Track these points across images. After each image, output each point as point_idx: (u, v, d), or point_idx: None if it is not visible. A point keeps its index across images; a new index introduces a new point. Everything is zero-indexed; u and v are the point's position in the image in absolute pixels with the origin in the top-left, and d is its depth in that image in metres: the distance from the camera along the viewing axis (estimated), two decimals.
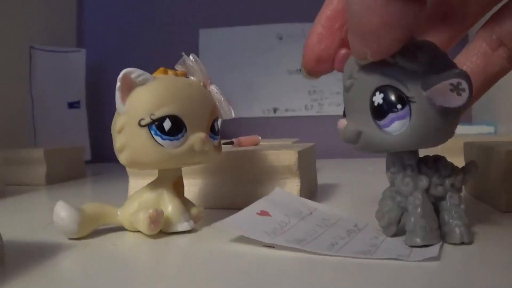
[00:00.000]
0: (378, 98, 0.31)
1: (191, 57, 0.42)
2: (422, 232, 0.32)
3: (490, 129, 1.06)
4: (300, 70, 0.37)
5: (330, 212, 0.43)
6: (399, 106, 0.30)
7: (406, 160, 0.34)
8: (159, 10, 1.33)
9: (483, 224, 0.39)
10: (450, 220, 0.33)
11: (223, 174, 0.52)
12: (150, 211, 0.37)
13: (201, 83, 0.41)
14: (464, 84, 0.28)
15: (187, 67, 0.42)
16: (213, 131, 0.41)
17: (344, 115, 0.34)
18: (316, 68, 0.35)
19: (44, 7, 1.24)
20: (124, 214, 0.41)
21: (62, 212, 0.38)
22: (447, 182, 0.34)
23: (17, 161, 0.82)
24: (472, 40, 0.36)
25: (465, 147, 0.55)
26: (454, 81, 0.28)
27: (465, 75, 0.28)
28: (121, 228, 0.42)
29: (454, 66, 0.32)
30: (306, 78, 0.37)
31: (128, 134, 0.38)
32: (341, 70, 0.35)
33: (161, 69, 0.41)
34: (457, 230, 0.33)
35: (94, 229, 0.40)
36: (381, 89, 0.31)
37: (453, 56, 0.35)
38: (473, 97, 0.30)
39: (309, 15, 0.39)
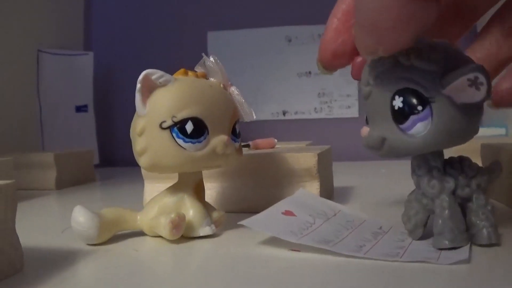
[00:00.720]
0: (397, 102, 0.31)
1: (211, 58, 0.41)
2: (450, 235, 0.32)
3: (502, 131, 1.06)
4: (316, 66, 0.37)
5: (354, 214, 0.42)
6: (419, 107, 0.30)
7: (432, 162, 0.33)
8: (167, 13, 1.32)
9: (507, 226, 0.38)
10: (478, 221, 0.33)
11: (242, 178, 0.51)
12: (172, 215, 0.36)
13: (221, 85, 0.41)
14: (482, 78, 0.28)
15: (207, 68, 0.41)
16: (234, 134, 0.40)
17: (367, 122, 0.34)
18: (332, 63, 0.36)
19: (52, 10, 1.24)
20: (144, 218, 0.40)
21: (81, 217, 0.38)
22: (473, 182, 0.33)
23: (27, 165, 0.81)
24: (484, 27, 0.36)
25: (482, 149, 0.54)
26: (471, 75, 0.28)
27: (481, 69, 0.28)
28: (140, 233, 0.41)
29: (469, 61, 0.31)
30: (322, 73, 0.37)
31: (149, 137, 0.37)
32: (358, 78, 0.35)
33: (182, 70, 0.40)
34: (484, 231, 0.32)
35: (113, 235, 0.40)
36: (400, 92, 0.31)
37: (464, 46, 0.35)
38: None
39: (318, 17, 0.39)
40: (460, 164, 0.34)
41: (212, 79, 0.41)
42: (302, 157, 0.48)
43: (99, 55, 1.27)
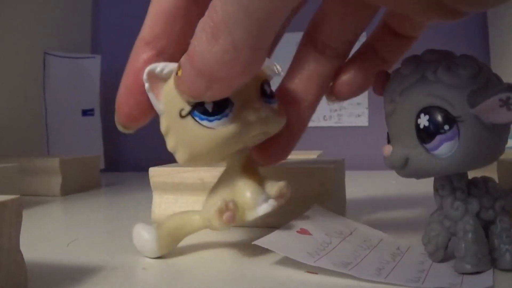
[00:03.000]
0: (423, 120, 0.30)
1: None
2: (473, 259, 0.30)
3: None
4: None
5: (370, 232, 0.40)
6: (446, 126, 0.29)
7: (456, 182, 0.32)
8: None
9: None
10: (501, 245, 0.31)
11: None
12: (218, 203, 0.34)
13: None
14: None
15: None
16: (265, 95, 0.35)
17: (388, 141, 0.33)
18: (131, 125, 0.36)
19: (59, 12, 1.23)
20: (203, 215, 0.37)
21: (142, 231, 0.37)
22: (497, 204, 0.32)
23: (32, 171, 0.80)
24: (296, 55, 0.39)
25: (499, 165, 0.53)
26: (503, 95, 0.27)
27: None
28: (177, 252, 0.39)
29: (498, 79, 0.30)
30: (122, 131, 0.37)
31: (175, 131, 0.34)
32: (381, 94, 0.34)
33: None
34: (508, 256, 0.30)
35: (179, 242, 0.38)
36: (426, 110, 0.30)
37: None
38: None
39: (301, 25, 0.38)
40: (485, 185, 0.32)
41: None
42: (318, 171, 0.46)
43: (106, 59, 1.26)
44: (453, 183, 0.32)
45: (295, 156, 0.65)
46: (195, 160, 0.35)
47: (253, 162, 0.38)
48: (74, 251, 0.40)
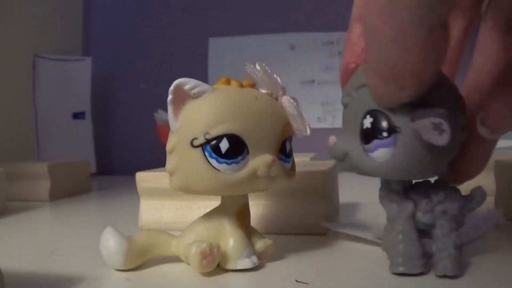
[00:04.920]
0: (367, 122, 0.30)
1: (257, 66, 0.36)
2: (402, 260, 0.31)
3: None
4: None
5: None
6: (384, 133, 0.30)
7: (392, 184, 0.33)
8: (168, 18, 1.30)
9: None
10: (437, 251, 0.32)
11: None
12: (203, 245, 0.32)
13: (273, 96, 0.36)
14: (445, 125, 0.27)
15: (251, 79, 0.36)
16: (283, 153, 0.35)
17: None
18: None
19: (50, 14, 1.22)
20: (180, 245, 0.35)
21: (110, 241, 0.34)
22: (437, 208, 0.32)
23: (19, 176, 0.78)
24: (480, 34, 0.34)
25: (497, 166, 0.52)
26: (435, 120, 0.27)
27: (446, 116, 0.27)
28: (160, 261, 0.37)
29: (452, 97, 0.31)
30: None
31: (180, 156, 0.33)
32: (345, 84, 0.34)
33: (224, 79, 0.35)
34: (442, 262, 0.31)
35: (145, 260, 0.36)
36: (372, 113, 0.30)
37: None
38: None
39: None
40: (427, 189, 0.33)
41: (262, 90, 0.36)
42: (309, 175, 0.45)
43: (97, 61, 1.25)
44: (389, 185, 0.33)
45: None
46: (188, 191, 0.34)
47: (247, 210, 0.37)
48: (57, 260, 0.39)
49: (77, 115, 1.18)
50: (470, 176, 0.33)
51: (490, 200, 0.51)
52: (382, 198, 0.34)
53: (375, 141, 0.30)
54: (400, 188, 0.33)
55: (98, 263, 0.35)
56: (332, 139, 0.32)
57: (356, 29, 0.33)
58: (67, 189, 0.83)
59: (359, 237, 0.41)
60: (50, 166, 0.79)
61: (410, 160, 0.30)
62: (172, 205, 0.49)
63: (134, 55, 1.31)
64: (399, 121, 0.29)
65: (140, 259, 0.35)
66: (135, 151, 1.24)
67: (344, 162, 0.32)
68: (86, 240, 0.47)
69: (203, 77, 1.23)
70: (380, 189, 0.34)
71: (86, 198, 0.83)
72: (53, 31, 1.23)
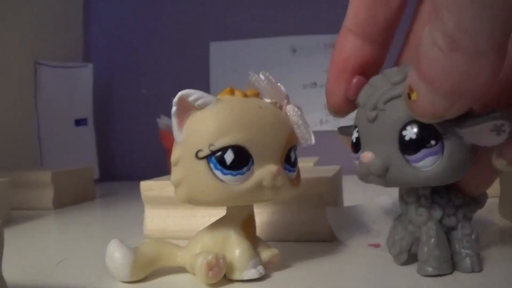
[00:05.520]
0: (410, 133, 0.30)
1: (261, 76, 0.36)
2: (435, 262, 0.32)
3: None
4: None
5: None
6: (432, 142, 0.30)
7: (421, 190, 0.34)
8: (169, 23, 1.29)
9: None
10: (462, 250, 0.33)
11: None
12: (209, 257, 0.32)
13: (277, 105, 0.36)
14: (507, 126, 0.28)
15: (255, 88, 0.36)
16: (288, 162, 0.35)
17: (356, 144, 0.34)
18: (340, 112, 0.36)
19: (50, 21, 1.21)
20: (186, 255, 0.35)
21: (116, 253, 0.34)
22: (460, 212, 0.34)
23: (23, 185, 0.78)
24: None
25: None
26: (498, 122, 0.28)
27: (508, 117, 0.28)
28: (167, 271, 0.37)
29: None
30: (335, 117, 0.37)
31: (185, 167, 0.33)
32: (353, 98, 0.34)
33: (228, 89, 0.35)
34: (468, 260, 0.33)
35: (152, 271, 0.36)
36: (414, 123, 0.30)
37: None
38: None
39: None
40: (447, 194, 0.34)
41: (266, 100, 0.36)
42: (314, 181, 0.45)
43: (99, 67, 1.25)
44: (418, 190, 0.34)
45: None
46: (194, 202, 0.34)
47: (253, 220, 0.37)
48: (63, 272, 0.39)
49: (80, 122, 1.18)
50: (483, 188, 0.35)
51: (494, 201, 0.51)
52: (407, 204, 0.34)
53: (423, 150, 0.30)
54: (428, 194, 0.33)
55: (105, 274, 0.36)
56: (368, 155, 0.32)
57: (349, 41, 0.33)
58: (71, 197, 0.83)
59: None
60: (53, 174, 0.79)
61: (458, 164, 0.30)
62: (177, 214, 0.49)
63: (135, 60, 1.31)
64: (444, 127, 0.29)
65: (146, 271, 0.35)
66: (137, 156, 1.24)
67: (385, 177, 0.31)
68: (92, 250, 0.47)
69: (204, 81, 1.23)
70: (405, 194, 0.34)
71: (90, 205, 0.83)
72: (54, 38, 1.23)
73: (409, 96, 0.28)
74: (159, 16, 1.31)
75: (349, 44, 0.33)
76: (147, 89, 1.25)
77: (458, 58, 0.25)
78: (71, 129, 1.17)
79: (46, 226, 0.65)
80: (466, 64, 0.25)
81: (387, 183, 0.32)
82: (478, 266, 0.33)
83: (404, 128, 0.30)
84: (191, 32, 1.28)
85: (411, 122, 0.30)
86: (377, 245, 0.40)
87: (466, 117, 0.29)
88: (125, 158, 1.28)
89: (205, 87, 0.34)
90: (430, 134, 0.30)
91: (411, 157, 0.30)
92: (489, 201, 0.35)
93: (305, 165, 0.67)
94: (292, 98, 0.36)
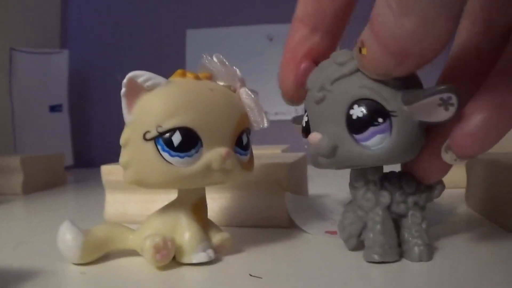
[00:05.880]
0: (357, 111, 0.30)
1: (214, 58, 0.35)
2: (380, 249, 0.32)
3: None
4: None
5: None
6: (380, 119, 0.30)
7: (370, 175, 0.33)
8: (145, 11, 1.29)
9: (485, 244, 0.37)
10: (410, 239, 0.33)
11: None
12: (157, 239, 0.32)
13: (231, 88, 0.36)
14: (454, 99, 0.28)
15: (209, 71, 0.35)
16: (240, 145, 0.35)
17: (307, 128, 0.34)
18: (293, 100, 0.36)
19: (27, 7, 1.21)
20: (137, 238, 0.35)
21: (66, 235, 0.34)
22: (410, 199, 0.33)
23: None
24: (459, 29, 0.34)
25: (468, 161, 0.52)
26: (445, 95, 0.28)
27: (455, 90, 0.28)
28: (118, 254, 0.37)
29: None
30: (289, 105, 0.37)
31: (133, 149, 0.32)
32: (302, 83, 0.34)
33: (179, 71, 0.34)
34: (416, 249, 0.32)
35: (104, 254, 0.36)
36: (360, 102, 0.30)
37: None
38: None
39: None
40: (399, 180, 0.34)
41: (219, 83, 0.36)
42: (273, 167, 0.45)
43: (74, 53, 1.24)
44: (367, 175, 0.33)
45: (259, 151, 0.63)
46: (141, 184, 0.33)
47: (204, 203, 0.37)
48: (19, 255, 0.39)
49: (54, 108, 1.18)
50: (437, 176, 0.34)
51: (461, 192, 0.51)
52: (355, 188, 0.34)
53: (371, 128, 0.30)
54: (376, 179, 0.33)
55: (57, 257, 0.35)
56: (316, 136, 0.32)
57: (298, 30, 0.34)
58: (41, 182, 0.83)
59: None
60: (23, 159, 0.78)
61: (406, 142, 0.30)
62: (137, 199, 0.49)
63: (111, 47, 1.30)
64: (392, 105, 0.29)
65: (97, 253, 0.35)
66: (112, 143, 1.22)
67: (334, 157, 0.31)
68: (52, 234, 0.47)
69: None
70: (354, 179, 0.34)
71: (60, 191, 0.83)
72: (30, 24, 1.22)
73: (360, 50, 0.29)
74: (136, 4, 1.30)
75: (298, 33, 0.34)
76: (121, 76, 1.23)
77: (407, 22, 0.25)
78: (45, 115, 1.16)
79: (13, 210, 0.65)
80: (414, 29, 0.25)
81: (337, 165, 0.32)
82: (426, 255, 0.32)
83: (351, 107, 0.30)
84: (168, 20, 1.28)
85: (358, 100, 0.30)
86: (333, 233, 0.39)
87: (413, 93, 0.29)
88: (99, 145, 1.27)
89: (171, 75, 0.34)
90: (377, 112, 0.29)
91: (359, 136, 0.30)
92: (456, 191, 0.35)
93: (273, 151, 0.67)
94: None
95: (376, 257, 0.32)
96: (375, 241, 0.32)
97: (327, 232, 0.41)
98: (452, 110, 0.28)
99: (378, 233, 0.32)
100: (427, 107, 0.29)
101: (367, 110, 0.30)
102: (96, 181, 0.90)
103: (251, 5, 1.25)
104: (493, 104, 0.29)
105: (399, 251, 0.33)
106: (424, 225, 0.33)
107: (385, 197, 0.33)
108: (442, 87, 0.28)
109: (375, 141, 0.30)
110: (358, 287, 0.29)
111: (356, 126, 0.30)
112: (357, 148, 0.30)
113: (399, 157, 0.31)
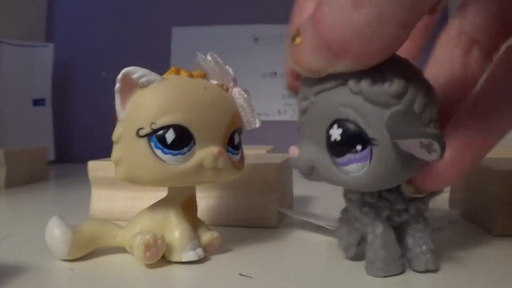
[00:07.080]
0: (335, 133, 0.28)
1: (208, 57, 0.35)
2: (382, 264, 0.30)
3: None
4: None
5: None
6: (358, 147, 0.27)
7: None
8: (131, 7, 1.28)
9: (471, 248, 0.37)
10: (415, 247, 0.31)
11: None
12: (147, 237, 0.32)
13: (224, 87, 0.36)
14: (436, 146, 0.25)
15: (202, 69, 0.35)
16: (231, 145, 0.35)
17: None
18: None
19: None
20: (125, 235, 0.35)
21: (55, 230, 0.34)
22: (412, 206, 0.31)
23: None
24: (440, 45, 0.33)
25: None
26: (425, 141, 0.25)
27: (438, 137, 0.25)
28: (107, 251, 0.37)
29: (427, 89, 0.28)
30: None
31: (125, 145, 0.32)
32: (293, 88, 0.33)
33: (173, 68, 0.35)
34: (422, 257, 0.31)
35: (92, 250, 0.36)
36: (340, 122, 0.28)
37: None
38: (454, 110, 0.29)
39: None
40: (397, 188, 0.30)
41: (213, 81, 0.36)
42: (261, 167, 0.45)
43: (60, 48, 1.23)
44: None
45: (244, 151, 0.63)
46: (134, 181, 0.33)
47: (194, 201, 0.37)
48: (5, 248, 0.39)
49: (37, 102, 1.16)
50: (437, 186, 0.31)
51: (445, 196, 0.52)
52: (351, 200, 0.32)
53: (348, 155, 0.28)
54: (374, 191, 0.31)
55: (45, 253, 0.35)
56: (294, 150, 0.31)
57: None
58: (24, 177, 0.82)
59: (313, 223, 0.42)
60: (6, 153, 0.77)
61: (387, 172, 0.28)
62: (123, 195, 0.49)
63: (96, 43, 1.29)
64: (374, 131, 0.27)
65: (86, 249, 0.35)
66: (94, 139, 1.22)
67: (312, 176, 0.30)
68: (37, 229, 0.46)
69: (165, 66, 1.21)
70: (348, 190, 0.32)
71: (43, 186, 0.82)
72: (16, 16, 1.21)
73: (293, 40, 0.27)
74: (122, 0, 1.30)
75: (308, 4, 0.32)
76: (107, 72, 1.23)
77: (357, 16, 0.23)
78: (28, 109, 1.15)
79: None
80: (363, 25, 0.23)
81: (314, 179, 0.31)
82: (433, 264, 0.30)
83: (331, 126, 0.28)
84: (154, 17, 1.27)
85: (338, 120, 0.28)
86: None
87: (400, 122, 0.26)
88: (82, 140, 1.27)
89: (165, 72, 0.33)
90: (357, 138, 0.27)
91: (338, 160, 0.28)
92: (440, 196, 0.33)
93: (258, 152, 0.67)
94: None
95: (378, 273, 0.30)
96: (376, 256, 0.30)
97: (329, 225, 0.41)
98: (435, 155, 0.25)
99: (379, 247, 0.30)
100: (410, 144, 0.26)
101: (346, 134, 0.27)
102: (79, 177, 0.91)
103: (237, 4, 1.25)
104: (459, 144, 0.28)
105: (403, 261, 0.31)
106: (428, 231, 0.32)
107: (384, 210, 0.31)
108: (424, 131, 0.26)
109: (353, 168, 0.28)
110: (346, 285, 0.29)
111: (333, 149, 0.28)
112: (335, 172, 0.29)
113: (381, 185, 0.29)
